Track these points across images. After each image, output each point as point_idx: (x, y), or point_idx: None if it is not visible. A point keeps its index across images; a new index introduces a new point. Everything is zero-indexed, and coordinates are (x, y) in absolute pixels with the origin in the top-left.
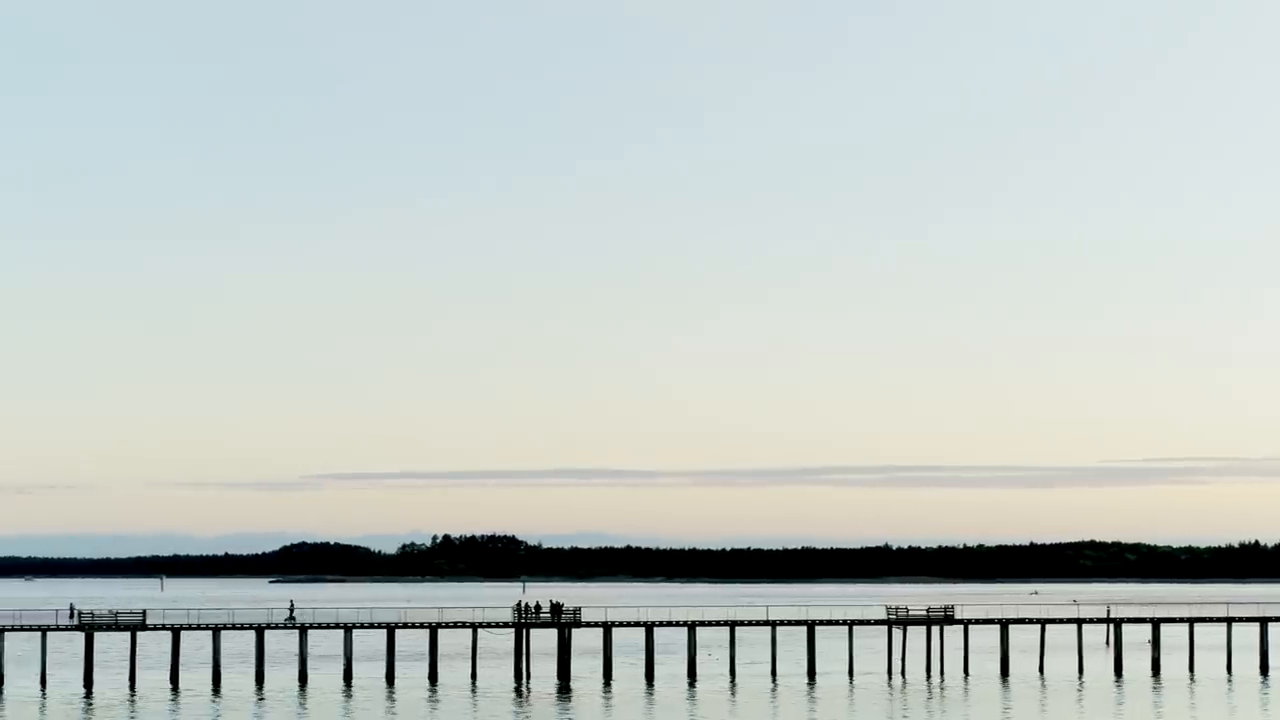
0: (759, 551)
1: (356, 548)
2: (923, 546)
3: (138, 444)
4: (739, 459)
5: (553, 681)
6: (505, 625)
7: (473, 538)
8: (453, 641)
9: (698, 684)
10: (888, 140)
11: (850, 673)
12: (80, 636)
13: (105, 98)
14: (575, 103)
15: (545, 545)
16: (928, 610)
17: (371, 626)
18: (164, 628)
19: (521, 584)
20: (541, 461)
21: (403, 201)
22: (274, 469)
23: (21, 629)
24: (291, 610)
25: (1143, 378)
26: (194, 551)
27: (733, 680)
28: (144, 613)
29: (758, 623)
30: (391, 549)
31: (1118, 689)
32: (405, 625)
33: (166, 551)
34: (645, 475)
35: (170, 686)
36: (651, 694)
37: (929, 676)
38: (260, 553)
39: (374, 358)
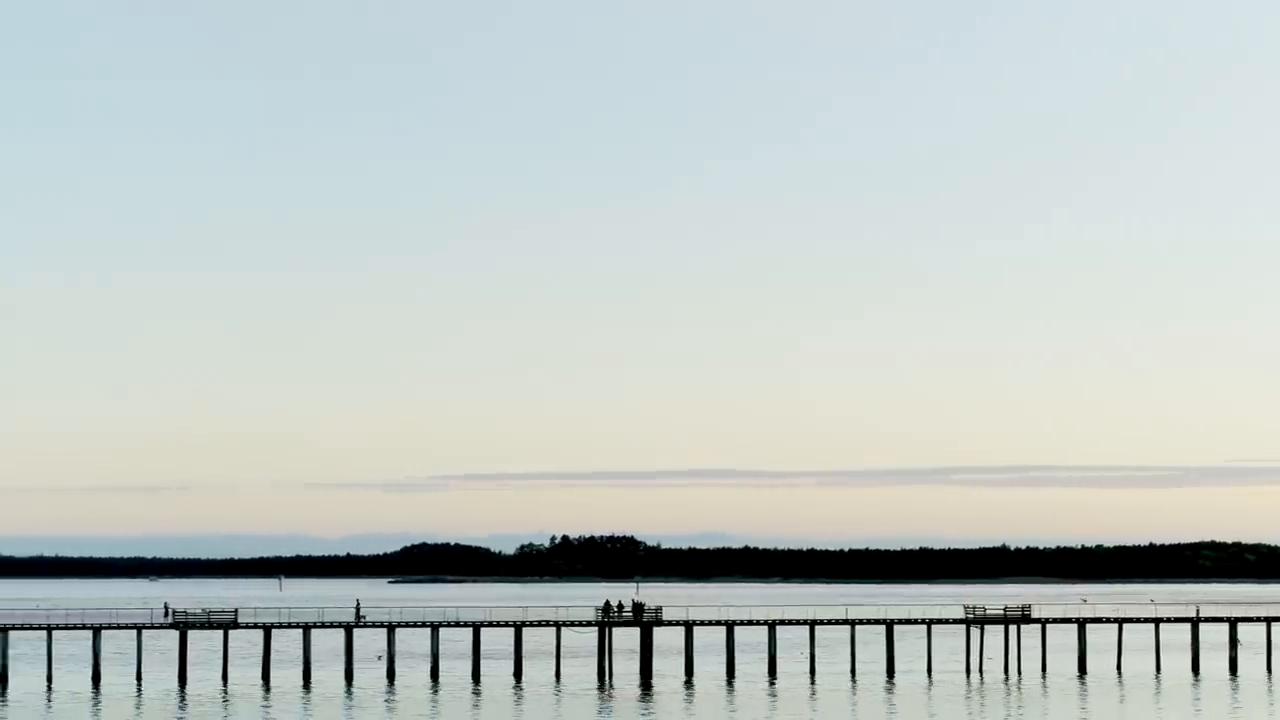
0: (876, 552)
1: (476, 548)
2: (1041, 547)
3: (265, 445)
4: (862, 459)
5: (635, 679)
6: (588, 624)
7: (591, 538)
8: (538, 640)
9: (778, 682)
10: (1014, 138)
11: (929, 671)
12: (175, 634)
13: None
14: (704, 103)
15: (664, 546)
16: (1005, 609)
17: (458, 625)
18: (255, 626)
19: (635, 584)
20: (664, 462)
21: (529, 203)
22: (401, 470)
23: (118, 627)
24: (358, 610)
25: (1265, 377)
26: (319, 552)
27: (812, 679)
28: (235, 611)
29: (837, 622)
30: (512, 549)
31: (1195, 688)
32: (491, 624)
33: (293, 552)
34: (768, 475)
35: (262, 684)
36: (732, 692)
37: (1006, 675)
38: (382, 553)
39: (500, 359)
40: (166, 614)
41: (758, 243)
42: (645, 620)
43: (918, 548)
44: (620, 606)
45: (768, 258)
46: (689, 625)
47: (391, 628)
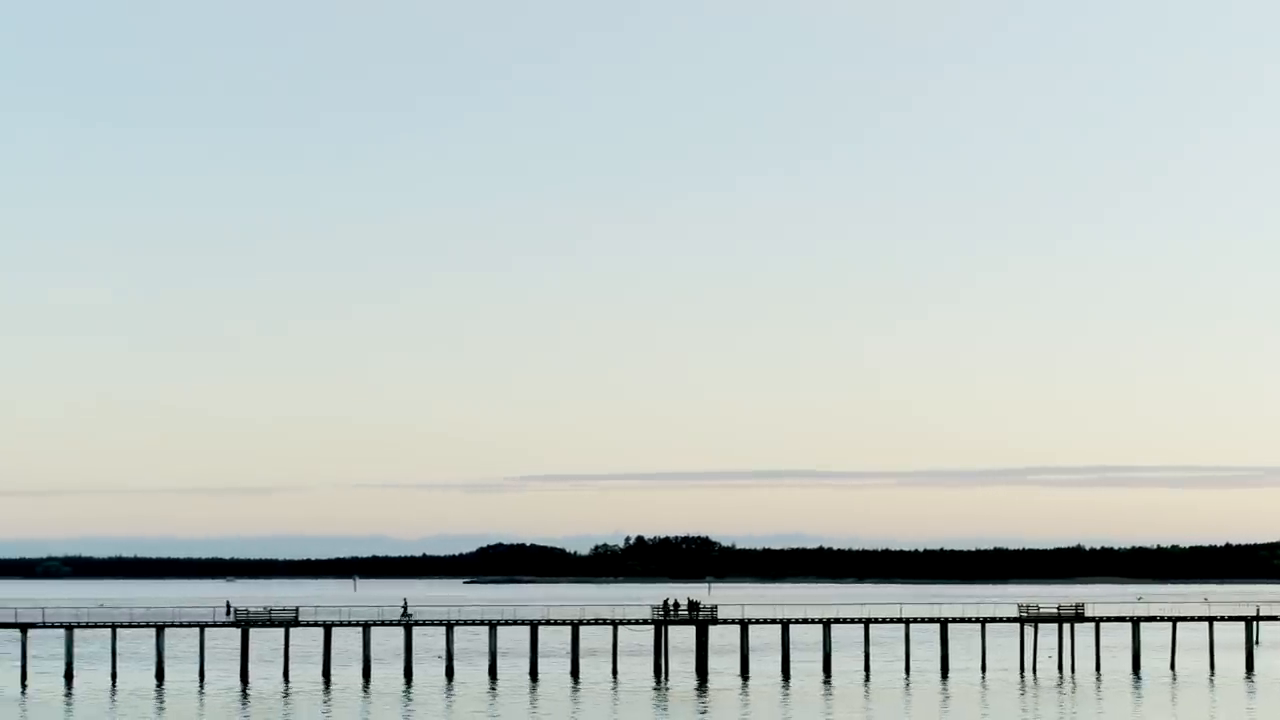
0: (950, 553)
1: (551, 549)
2: (1116, 548)
3: (346, 446)
4: (939, 460)
5: (691, 677)
6: (645, 622)
7: (666, 539)
8: (598, 639)
9: (832, 680)
10: (1089, 130)
11: (983, 670)
12: (237, 633)
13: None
14: (787, 103)
15: (739, 547)
16: (1059, 608)
17: (515, 623)
18: (316, 624)
19: (707, 585)
20: (741, 463)
21: (608, 204)
22: (480, 471)
23: (181, 625)
24: (405, 609)
25: None
26: (397, 553)
27: (867, 677)
28: (296, 610)
29: (891, 620)
30: (588, 550)
31: (1249, 686)
32: (548, 622)
33: (373, 552)
34: (845, 476)
35: (323, 681)
36: (787, 690)
37: (1060, 674)
38: (458, 554)
39: (579, 361)
40: (228, 612)
41: (834, 242)
42: (701, 619)
43: (993, 548)
44: (676, 605)
45: (844, 257)
46: (744, 624)
47: (450, 626)
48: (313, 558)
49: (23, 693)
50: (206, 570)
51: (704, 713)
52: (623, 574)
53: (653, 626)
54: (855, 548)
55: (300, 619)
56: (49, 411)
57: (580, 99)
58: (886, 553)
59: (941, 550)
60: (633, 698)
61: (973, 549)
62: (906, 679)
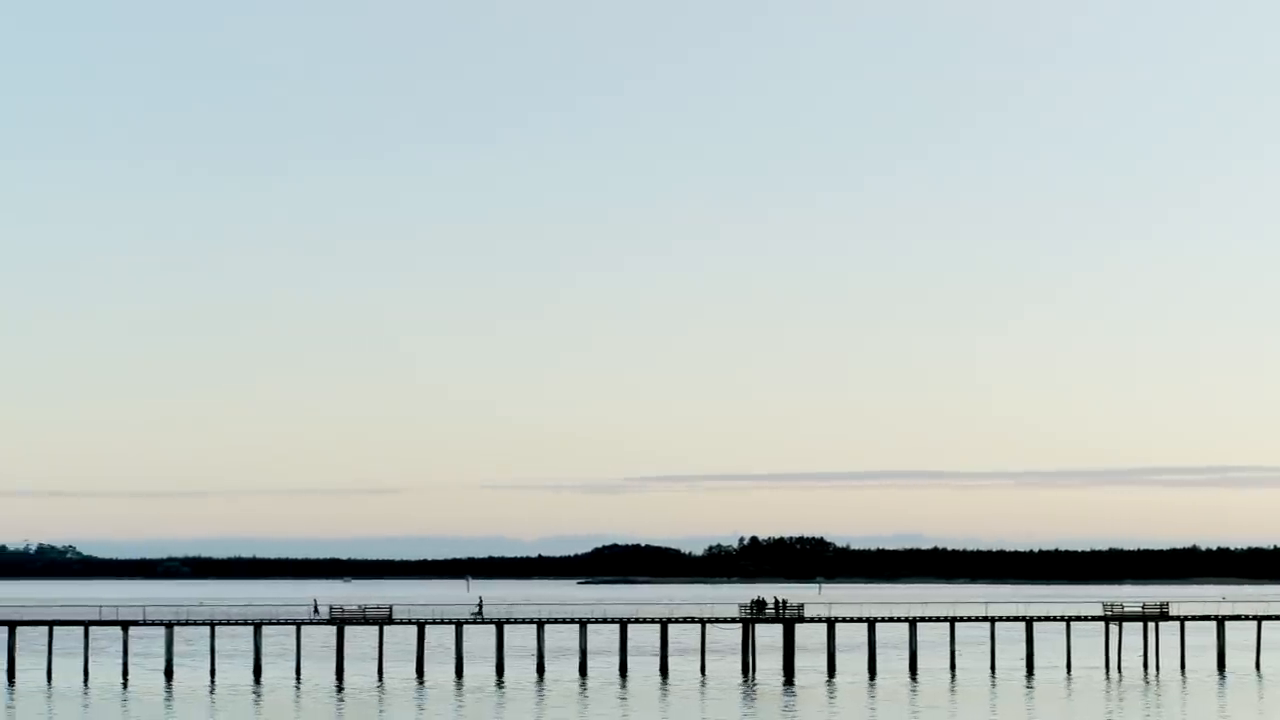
0: (1064, 553)
1: (665, 549)
2: (1233, 548)
3: (471, 446)
4: (1056, 460)
5: (778, 675)
6: (732, 621)
7: (780, 539)
8: (683, 637)
9: (919, 678)
10: (1197, 123)
11: (1068, 668)
12: (332, 631)
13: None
14: (892, 105)
15: (853, 547)
16: (1143, 607)
17: (605, 621)
18: (409, 622)
19: (818, 585)
20: (859, 463)
21: (728, 205)
22: (598, 471)
23: (278, 623)
24: (480, 607)
25: None
26: (514, 553)
27: (953, 675)
28: (390, 608)
29: (976, 619)
30: (701, 550)
31: None
32: (637, 620)
33: (491, 553)
34: (964, 476)
35: (416, 678)
36: (873, 688)
37: (1146, 672)
38: (573, 554)
39: (697, 362)
40: (315, 611)
41: (948, 242)
42: (788, 617)
43: (1108, 549)
44: (763, 604)
45: (958, 256)
46: (831, 622)
47: (541, 624)
48: (429, 558)
49: (124, 689)
50: (324, 570)
51: (790, 710)
52: (736, 574)
53: (741, 625)
54: (971, 548)
55: (394, 617)
56: (171, 412)
57: (703, 100)
58: (1001, 553)
59: (1056, 551)
60: (720, 695)
61: (1088, 549)
62: (992, 677)
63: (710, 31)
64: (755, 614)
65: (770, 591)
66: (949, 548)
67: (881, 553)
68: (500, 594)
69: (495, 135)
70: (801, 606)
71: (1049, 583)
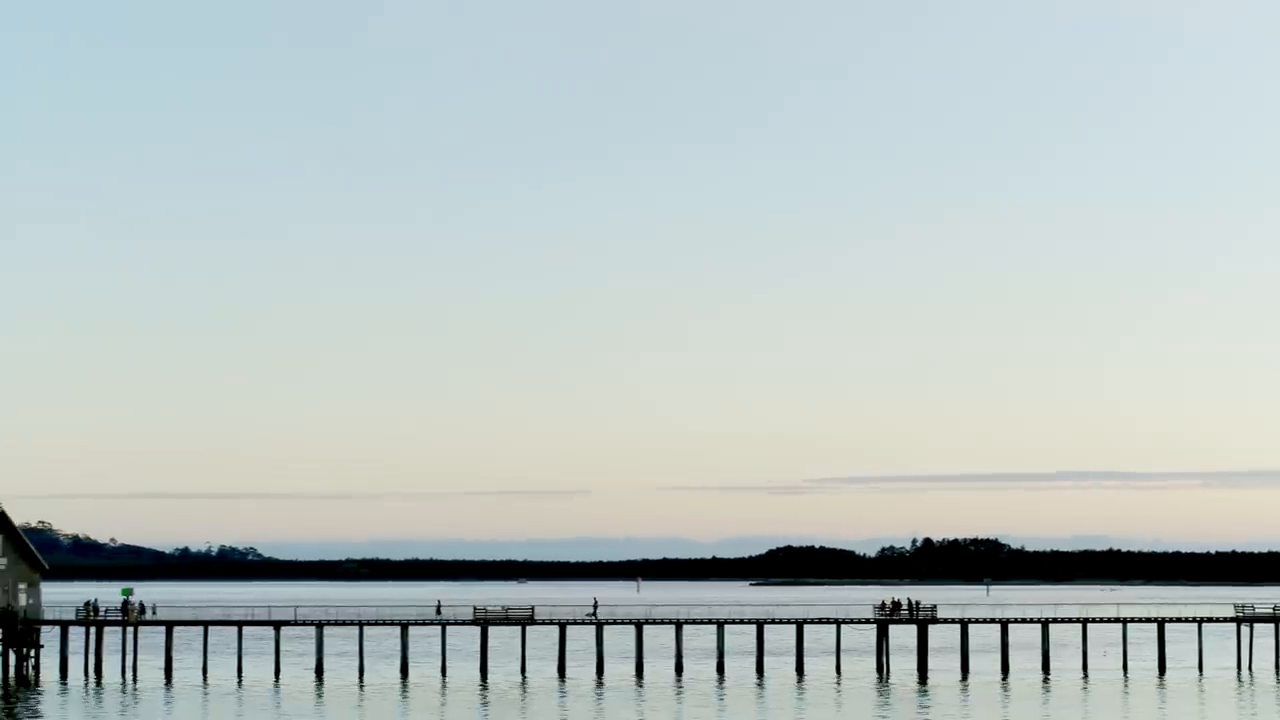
0: (1241, 555)
1: (839, 550)
2: None
3: (651, 449)
4: (1243, 460)
5: (912, 675)
6: (866, 622)
7: (954, 541)
8: (818, 637)
9: (1051, 678)
10: None
11: (1200, 668)
12: (477, 631)
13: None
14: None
15: (1029, 549)
16: (1275, 608)
17: (741, 622)
18: (550, 623)
19: (985, 586)
20: (1037, 464)
21: (913, 207)
22: (780, 472)
23: (423, 623)
24: (595, 608)
25: None
26: (692, 555)
27: (1085, 675)
28: (532, 609)
29: (1108, 620)
30: (874, 552)
31: None
32: (772, 621)
33: (669, 554)
34: (1147, 478)
35: (558, 678)
36: (1006, 688)
37: (1278, 673)
38: (747, 556)
39: (881, 362)
40: (437, 612)
41: (1136, 240)
42: (920, 618)
43: None
44: (897, 605)
45: (1148, 253)
46: (964, 623)
47: (679, 625)
48: (605, 560)
49: (276, 687)
50: (499, 572)
51: (924, 709)
52: (909, 576)
53: (875, 625)
54: (1150, 550)
55: (535, 618)
56: (351, 415)
57: (881, 107)
58: (1177, 554)
59: (1234, 552)
60: (855, 694)
61: (1266, 551)
62: (1125, 677)
63: (891, 33)
64: (889, 615)
65: (936, 593)
66: (1128, 549)
67: (1055, 554)
68: (669, 596)
69: (684, 146)
70: (934, 608)
71: (1227, 584)
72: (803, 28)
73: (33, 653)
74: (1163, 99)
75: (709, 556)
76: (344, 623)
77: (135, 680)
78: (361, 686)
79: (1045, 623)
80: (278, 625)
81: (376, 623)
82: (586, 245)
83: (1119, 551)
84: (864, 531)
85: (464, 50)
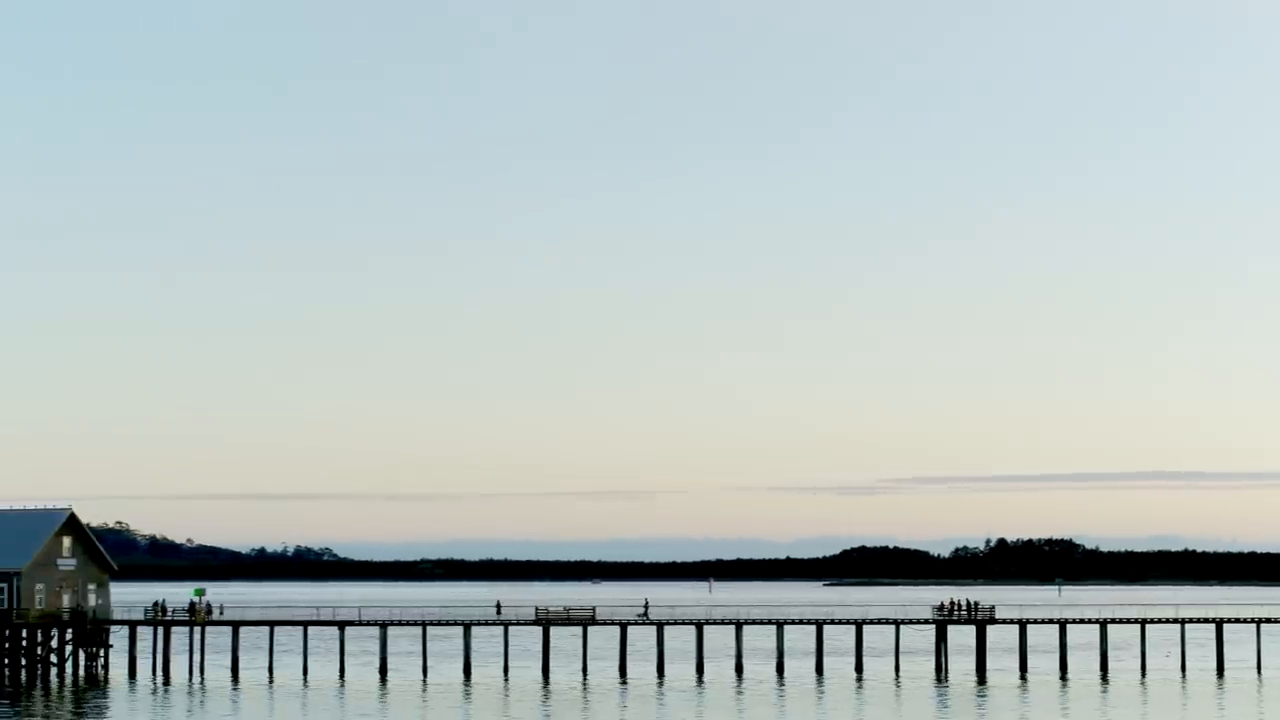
0: None
1: (912, 551)
2: None
3: (726, 449)
4: None
5: (971, 675)
6: (925, 622)
7: (1028, 541)
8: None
9: (1109, 678)
10: None
11: (1258, 669)
12: (539, 631)
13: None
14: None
15: (1102, 549)
16: None
17: (800, 623)
18: (612, 623)
19: (1057, 587)
20: (1113, 464)
21: (983, 211)
22: (853, 473)
23: (487, 623)
24: (646, 608)
25: None
26: (766, 555)
27: (1143, 675)
28: (594, 610)
29: (1165, 621)
30: (948, 552)
31: None
32: (831, 621)
33: (742, 555)
34: (1225, 478)
35: (619, 678)
36: (1065, 688)
37: None
38: (821, 556)
39: (949, 364)
40: (498, 612)
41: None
42: (979, 619)
43: None
44: (954, 605)
45: (1232, 257)
46: (1022, 624)
47: (739, 625)
48: (679, 560)
49: (340, 686)
50: (574, 572)
51: (982, 710)
52: (982, 576)
53: (934, 626)
54: (1227, 550)
55: (597, 619)
56: (426, 416)
57: (963, 103)
58: (1253, 555)
59: None
60: (914, 694)
61: None
62: (1183, 678)
63: (959, 31)
64: (946, 616)
65: (1006, 594)
66: (1204, 550)
67: (1130, 555)
68: (739, 596)
69: (766, 145)
70: (992, 608)
71: None
72: (871, 28)
73: (102, 652)
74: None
75: (783, 557)
76: (408, 623)
77: (202, 680)
78: (425, 686)
79: (1103, 623)
80: (342, 625)
81: (440, 623)
82: (667, 245)
83: (1194, 552)
84: (938, 532)
85: (548, 41)
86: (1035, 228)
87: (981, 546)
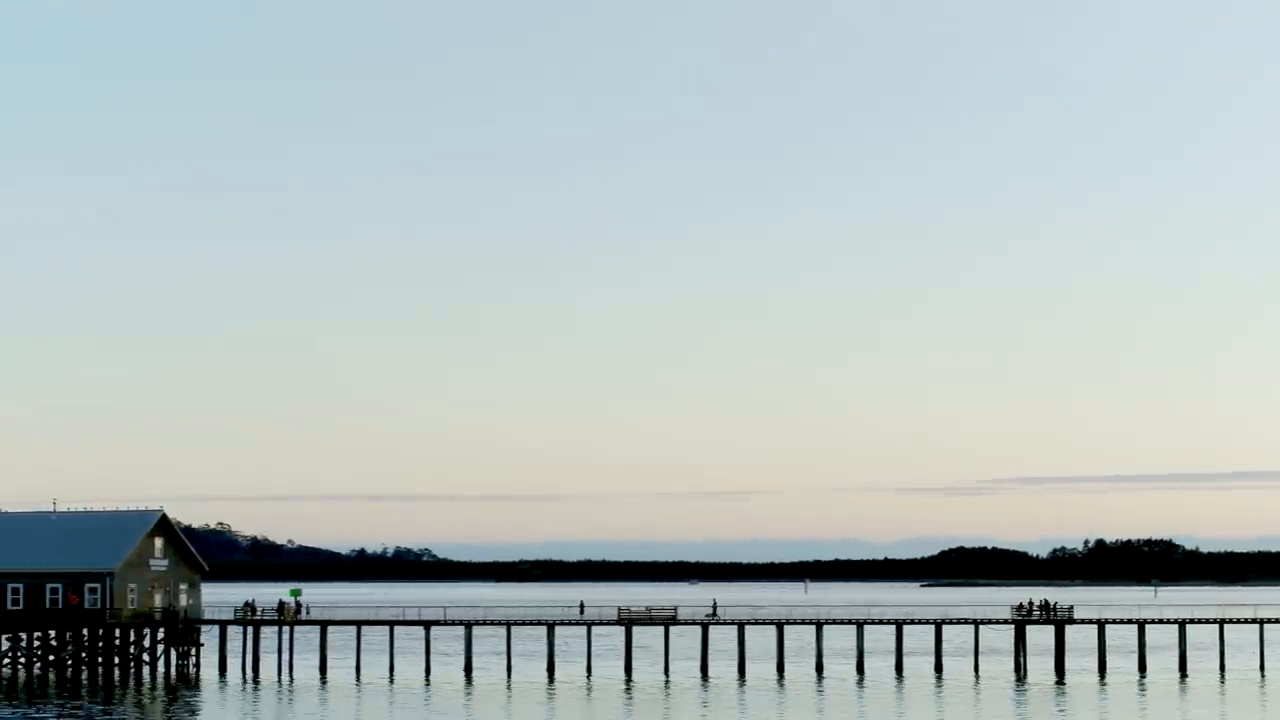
0: None
1: (1011, 551)
2: None
3: (826, 449)
4: None
5: (1050, 675)
6: (1005, 622)
7: (1127, 541)
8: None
9: (1189, 678)
10: None
11: None
12: (621, 630)
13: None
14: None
15: (1202, 550)
16: None
17: (880, 623)
18: (693, 623)
19: (1153, 588)
20: (1214, 464)
21: (1082, 206)
22: (956, 473)
23: (570, 623)
24: (714, 609)
25: None
26: (866, 555)
27: (1222, 676)
28: (675, 609)
29: (1244, 621)
30: (1046, 553)
31: None
32: (910, 622)
33: (841, 555)
34: None
35: (700, 676)
36: (1143, 687)
37: None
38: (919, 557)
39: (1050, 364)
40: (581, 612)
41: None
42: (1057, 619)
43: None
44: (1033, 606)
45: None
46: (1101, 624)
47: (820, 625)
48: (777, 561)
49: (426, 685)
50: (672, 573)
51: (1061, 709)
52: (1081, 577)
53: (1012, 626)
54: None
55: (679, 618)
56: (522, 417)
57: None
58: None
59: None
60: (992, 694)
61: None
62: (1261, 677)
63: (1054, 32)
64: (1025, 616)
65: (1103, 594)
66: None
67: (1230, 555)
68: (835, 597)
69: (871, 146)
70: (1071, 609)
71: None
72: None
73: (193, 651)
74: None
75: (882, 558)
76: (492, 623)
77: (291, 678)
78: (509, 685)
79: (1182, 623)
80: (427, 625)
81: (524, 623)
82: (774, 245)
83: None
84: (1037, 533)
85: (657, 46)
86: (1138, 228)
87: (1080, 547)
